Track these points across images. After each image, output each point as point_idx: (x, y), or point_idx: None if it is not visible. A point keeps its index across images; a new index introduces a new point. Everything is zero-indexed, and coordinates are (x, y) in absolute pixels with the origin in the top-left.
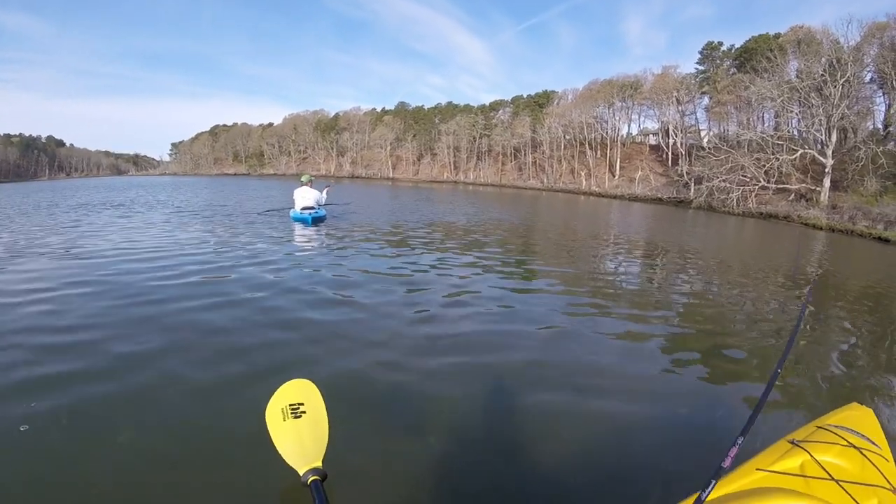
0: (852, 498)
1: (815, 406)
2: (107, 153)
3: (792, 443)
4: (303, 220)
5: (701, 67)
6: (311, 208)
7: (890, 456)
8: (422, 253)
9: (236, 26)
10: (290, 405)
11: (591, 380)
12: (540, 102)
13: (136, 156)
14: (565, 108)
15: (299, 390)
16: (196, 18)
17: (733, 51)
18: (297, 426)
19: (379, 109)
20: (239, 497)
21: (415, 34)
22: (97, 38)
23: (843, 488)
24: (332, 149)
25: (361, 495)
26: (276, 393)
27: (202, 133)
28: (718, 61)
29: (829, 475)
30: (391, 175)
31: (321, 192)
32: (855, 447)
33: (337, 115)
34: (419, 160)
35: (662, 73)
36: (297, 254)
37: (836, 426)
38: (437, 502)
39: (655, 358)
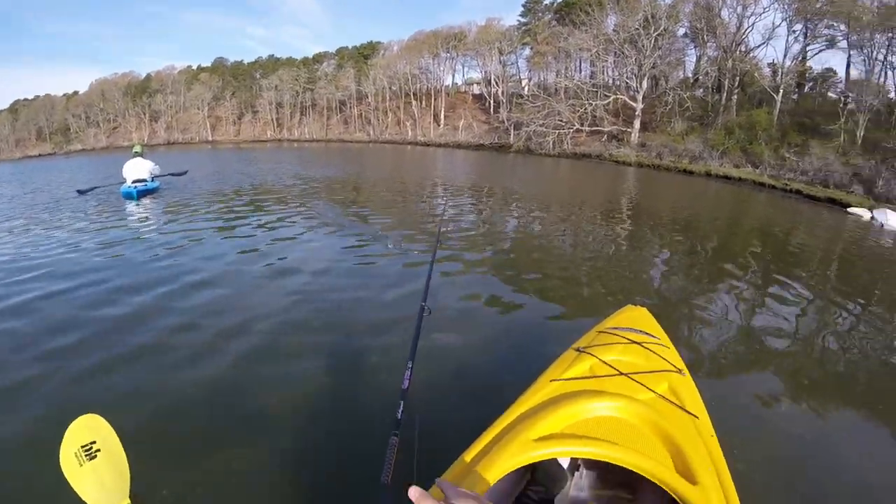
0: (644, 386)
1: (599, 312)
2: None
3: (578, 350)
4: (129, 196)
5: (523, 20)
6: (143, 181)
7: (670, 343)
8: (244, 224)
9: None
10: (83, 447)
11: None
12: (365, 54)
13: None
14: (391, 59)
15: (88, 428)
16: None
17: (554, 4)
18: (95, 468)
19: (195, 67)
20: None
21: None
22: None
23: (633, 380)
24: (145, 114)
25: None
26: (64, 437)
27: (1, 111)
28: (540, 14)
29: (618, 371)
30: (210, 138)
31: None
32: (636, 343)
33: (149, 76)
34: (240, 119)
35: (486, 24)
36: (108, 241)
37: (615, 328)
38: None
39: (475, 290)
